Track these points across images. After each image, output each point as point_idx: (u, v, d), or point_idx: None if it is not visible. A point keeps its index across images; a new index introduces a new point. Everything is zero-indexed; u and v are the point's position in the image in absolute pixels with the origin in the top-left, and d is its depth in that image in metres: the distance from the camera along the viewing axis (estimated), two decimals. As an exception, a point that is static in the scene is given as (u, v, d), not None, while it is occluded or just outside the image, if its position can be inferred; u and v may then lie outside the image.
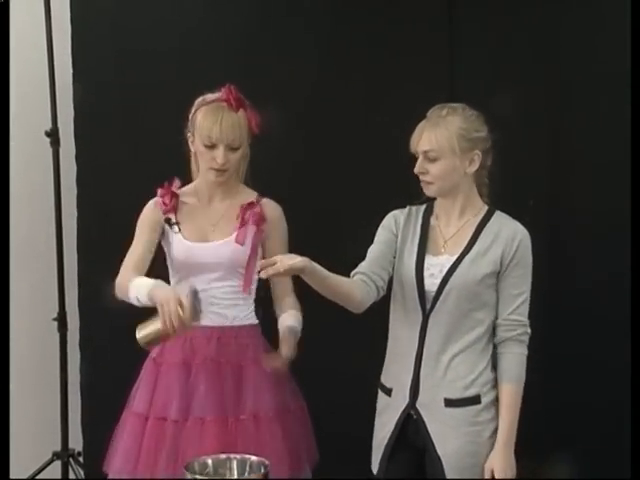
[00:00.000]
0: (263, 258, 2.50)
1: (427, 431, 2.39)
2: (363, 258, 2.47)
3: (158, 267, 2.59)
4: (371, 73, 3.08)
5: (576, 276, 3.03)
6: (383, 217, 2.54)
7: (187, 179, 2.68)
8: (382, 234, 2.50)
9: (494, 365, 2.41)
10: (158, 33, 3.17)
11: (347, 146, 3.09)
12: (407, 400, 2.41)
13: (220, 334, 2.56)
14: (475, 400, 2.38)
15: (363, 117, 3.08)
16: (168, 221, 2.59)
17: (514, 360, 2.38)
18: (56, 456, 3.26)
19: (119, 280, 2.50)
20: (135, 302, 2.41)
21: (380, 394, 2.51)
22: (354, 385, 2.81)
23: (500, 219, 2.45)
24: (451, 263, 2.40)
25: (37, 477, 3.23)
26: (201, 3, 3.21)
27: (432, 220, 2.49)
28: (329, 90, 3.10)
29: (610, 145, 2.96)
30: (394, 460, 2.45)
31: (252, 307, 2.65)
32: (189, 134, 2.59)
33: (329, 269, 2.29)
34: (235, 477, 2.25)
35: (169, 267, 2.63)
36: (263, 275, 2.20)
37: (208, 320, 2.53)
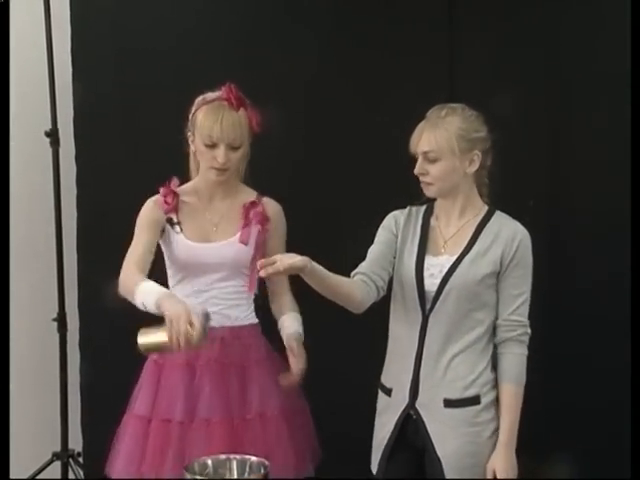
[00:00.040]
0: (262, 257, 2.49)
1: (426, 431, 2.39)
2: (363, 258, 2.47)
3: (157, 267, 2.59)
4: (371, 73, 3.08)
5: (576, 276, 3.02)
6: (383, 217, 2.54)
7: (186, 178, 2.67)
8: (382, 234, 2.50)
9: (494, 365, 2.41)
10: (158, 33, 3.17)
11: (347, 146, 3.09)
12: (407, 400, 2.41)
13: (223, 335, 2.55)
14: (475, 400, 2.38)
15: (363, 117, 3.08)
16: (170, 221, 2.57)
17: (514, 360, 2.38)
18: (56, 456, 3.25)
19: (124, 280, 2.46)
20: (140, 307, 2.37)
21: (380, 394, 2.51)
22: (354, 385, 2.81)
23: (500, 219, 2.45)
24: (451, 263, 2.40)
25: (37, 477, 3.23)
26: (200, 2, 3.21)
27: (432, 220, 2.49)
28: (329, 90, 3.10)
29: (610, 145, 2.96)
30: (394, 460, 2.45)
31: (252, 307, 2.65)
32: (189, 133, 2.58)
33: (329, 269, 2.29)
34: (235, 477, 2.25)
35: (168, 267, 2.62)
36: (263, 274, 2.19)
37: (212, 321, 2.53)
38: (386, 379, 2.50)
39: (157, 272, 2.55)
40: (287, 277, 2.56)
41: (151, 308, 2.33)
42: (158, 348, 2.31)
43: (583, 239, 3.03)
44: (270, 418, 2.54)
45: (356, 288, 2.38)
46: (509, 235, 2.40)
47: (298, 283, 2.32)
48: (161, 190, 2.59)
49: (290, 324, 2.60)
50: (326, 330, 2.82)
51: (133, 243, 2.54)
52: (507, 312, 2.39)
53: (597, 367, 2.99)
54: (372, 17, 3.09)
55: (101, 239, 3.17)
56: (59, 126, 3.21)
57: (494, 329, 2.41)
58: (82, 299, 3.26)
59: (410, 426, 2.43)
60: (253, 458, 2.25)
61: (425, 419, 2.39)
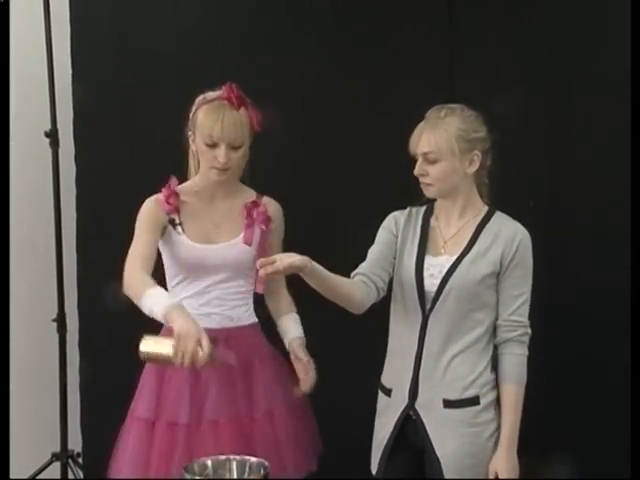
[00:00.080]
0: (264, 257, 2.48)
1: (426, 432, 2.39)
2: (363, 258, 2.47)
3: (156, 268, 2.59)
4: (371, 73, 3.08)
5: (576, 276, 3.02)
6: (383, 217, 2.54)
7: (185, 178, 2.66)
8: (382, 235, 2.50)
9: (494, 366, 2.41)
10: (158, 34, 3.17)
11: (347, 146, 3.09)
12: (406, 401, 2.41)
13: (227, 335, 2.54)
14: (474, 401, 2.38)
15: (363, 117, 3.07)
16: (172, 222, 2.55)
17: (515, 361, 2.38)
18: (55, 457, 3.25)
19: (130, 282, 2.42)
20: (146, 312, 2.35)
21: (380, 395, 2.51)
22: (354, 386, 2.81)
23: (500, 219, 2.45)
24: (451, 263, 2.39)
25: (36, 478, 3.23)
26: (200, 3, 3.21)
27: (432, 221, 2.49)
28: (329, 90, 3.10)
29: (610, 145, 2.96)
30: (393, 461, 2.45)
31: (252, 306, 2.65)
32: (190, 133, 2.57)
33: (329, 269, 2.29)
34: (235, 478, 2.24)
35: (168, 268, 2.60)
36: (262, 273, 2.19)
37: (214, 322, 2.53)
38: (386, 379, 2.50)
39: (154, 272, 2.54)
40: (284, 276, 2.55)
41: (159, 317, 2.30)
42: (160, 360, 2.29)
43: (583, 239, 3.03)
44: (278, 415, 2.54)
45: (356, 289, 2.37)
46: (509, 235, 2.40)
47: (298, 283, 2.31)
48: (163, 191, 2.57)
49: (291, 327, 2.61)
50: (326, 330, 2.81)
51: (135, 243, 2.52)
52: (507, 312, 2.38)
53: (597, 367, 2.99)
54: (372, 17, 3.08)
55: (101, 239, 3.17)
56: (59, 126, 3.21)
57: (494, 329, 2.41)
58: (82, 299, 3.26)
59: (410, 426, 2.42)
60: (253, 459, 2.24)
61: (424, 419, 2.39)
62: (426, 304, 2.40)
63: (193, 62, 3.11)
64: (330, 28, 3.12)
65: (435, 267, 2.41)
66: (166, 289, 2.52)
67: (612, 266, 2.92)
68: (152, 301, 2.32)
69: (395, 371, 2.47)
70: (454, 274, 2.37)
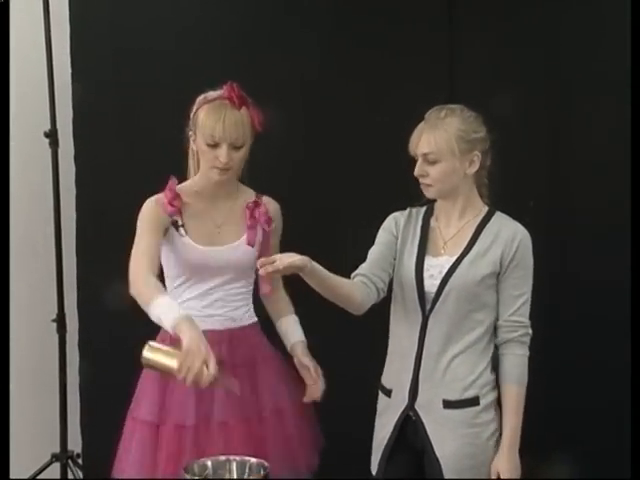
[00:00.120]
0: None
1: (426, 432, 2.39)
2: (363, 259, 2.47)
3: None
4: (371, 73, 3.07)
5: (576, 276, 3.02)
6: (383, 218, 2.54)
7: (185, 178, 2.66)
8: (382, 236, 2.50)
9: (494, 366, 2.41)
10: (157, 33, 3.17)
11: (347, 146, 3.09)
12: (406, 401, 2.41)
13: (230, 336, 2.54)
14: (474, 402, 2.37)
15: (363, 117, 3.07)
16: (175, 224, 2.52)
17: (516, 361, 2.38)
18: (55, 458, 3.25)
19: (137, 283, 2.38)
20: (154, 319, 2.32)
21: (380, 395, 2.51)
22: (355, 386, 2.81)
23: (500, 220, 2.45)
24: (450, 264, 2.39)
25: (36, 479, 3.22)
26: (199, 2, 3.21)
27: (432, 221, 2.49)
28: (329, 90, 3.10)
29: (610, 145, 2.96)
30: (393, 461, 2.45)
31: (252, 306, 2.65)
32: (190, 132, 2.55)
33: (329, 269, 2.29)
34: (235, 478, 2.24)
35: (169, 269, 2.57)
36: (262, 273, 2.19)
37: (218, 324, 2.52)
38: (386, 380, 2.50)
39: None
40: (281, 277, 2.55)
41: (167, 327, 2.28)
42: (162, 369, 2.26)
43: (583, 239, 3.03)
44: (285, 413, 2.54)
45: (356, 289, 2.37)
46: (509, 236, 2.40)
47: (298, 283, 2.31)
48: (166, 193, 2.53)
49: (292, 331, 2.61)
50: (326, 331, 2.81)
51: (138, 243, 2.48)
52: (508, 313, 2.38)
53: (597, 367, 2.99)
54: (372, 17, 3.08)
55: (100, 239, 3.17)
56: (58, 126, 3.20)
57: (495, 330, 2.41)
58: (81, 300, 3.26)
59: (409, 427, 2.42)
60: (253, 459, 2.24)
61: (424, 420, 2.39)
62: (426, 305, 2.40)
63: (192, 61, 3.11)
64: (330, 28, 3.12)
65: (435, 268, 2.41)
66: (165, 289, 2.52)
67: (612, 266, 2.92)
68: (161, 310, 2.29)
69: (395, 372, 2.47)
70: (454, 275, 2.37)
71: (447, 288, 2.37)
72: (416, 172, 2.41)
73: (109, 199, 3.17)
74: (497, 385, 2.41)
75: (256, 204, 2.60)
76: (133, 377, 2.60)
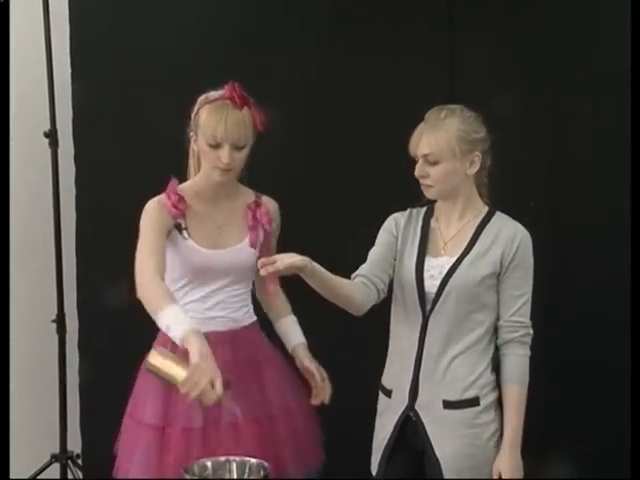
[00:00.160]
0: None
1: (426, 433, 2.39)
2: (363, 259, 2.47)
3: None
4: (371, 73, 3.07)
5: (576, 276, 3.02)
6: (383, 218, 2.53)
7: (185, 178, 2.66)
8: (383, 236, 2.50)
9: (494, 367, 2.40)
10: (157, 33, 3.17)
11: (347, 146, 3.09)
12: (406, 402, 2.41)
13: (233, 337, 2.53)
14: (474, 402, 2.37)
15: (363, 117, 3.07)
16: (178, 226, 2.50)
17: (517, 362, 2.38)
18: (55, 458, 3.25)
19: (146, 287, 2.34)
20: (162, 327, 2.29)
21: (381, 395, 2.51)
22: (355, 387, 2.80)
23: (500, 220, 2.44)
24: (451, 264, 2.39)
25: (36, 479, 3.22)
26: (199, 2, 3.21)
27: (432, 222, 2.49)
28: (329, 90, 3.10)
29: (610, 145, 2.96)
30: (393, 461, 2.45)
31: (251, 305, 2.64)
32: (192, 133, 2.53)
33: (329, 270, 2.29)
34: (235, 479, 2.24)
35: (171, 270, 2.51)
36: (263, 273, 2.18)
37: (220, 325, 2.52)
38: (386, 380, 2.50)
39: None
40: (279, 277, 2.54)
41: (175, 338, 2.25)
42: (165, 378, 2.24)
43: (583, 239, 3.03)
44: (292, 411, 2.54)
45: (356, 290, 2.37)
46: (509, 236, 2.40)
47: (297, 284, 2.31)
48: (170, 195, 2.50)
49: (292, 332, 2.61)
50: (326, 332, 2.81)
51: (143, 243, 2.44)
52: (509, 313, 2.38)
53: (597, 367, 2.99)
54: (372, 17, 3.08)
55: (100, 239, 3.17)
56: (58, 126, 3.21)
57: (495, 330, 2.41)
58: (81, 300, 3.26)
59: (410, 427, 2.42)
60: (253, 460, 2.24)
61: (424, 420, 2.39)
62: (426, 305, 2.39)
63: (192, 61, 3.11)
64: (330, 28, 3.12)
65: (435, 268, 2.41)
66: None
67: (612, 266, 2.92)
68: (170, 320, 2.26)
69: (395, 372, 2.47)
70: (454, 275, 2.37)
71: (447, 288, 2.37)
72: (416, 173, 2.40)
73: (109, 199, 3.17)
74: (497, 385, 2.41)
75: (257, 205, 2.59)
76: (133, 377, 2.60)
